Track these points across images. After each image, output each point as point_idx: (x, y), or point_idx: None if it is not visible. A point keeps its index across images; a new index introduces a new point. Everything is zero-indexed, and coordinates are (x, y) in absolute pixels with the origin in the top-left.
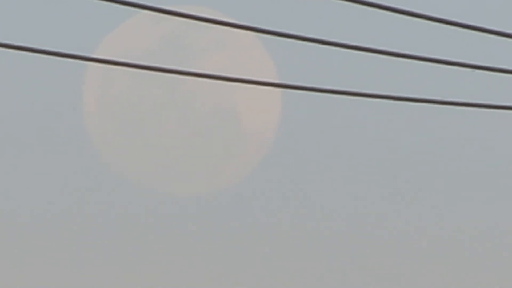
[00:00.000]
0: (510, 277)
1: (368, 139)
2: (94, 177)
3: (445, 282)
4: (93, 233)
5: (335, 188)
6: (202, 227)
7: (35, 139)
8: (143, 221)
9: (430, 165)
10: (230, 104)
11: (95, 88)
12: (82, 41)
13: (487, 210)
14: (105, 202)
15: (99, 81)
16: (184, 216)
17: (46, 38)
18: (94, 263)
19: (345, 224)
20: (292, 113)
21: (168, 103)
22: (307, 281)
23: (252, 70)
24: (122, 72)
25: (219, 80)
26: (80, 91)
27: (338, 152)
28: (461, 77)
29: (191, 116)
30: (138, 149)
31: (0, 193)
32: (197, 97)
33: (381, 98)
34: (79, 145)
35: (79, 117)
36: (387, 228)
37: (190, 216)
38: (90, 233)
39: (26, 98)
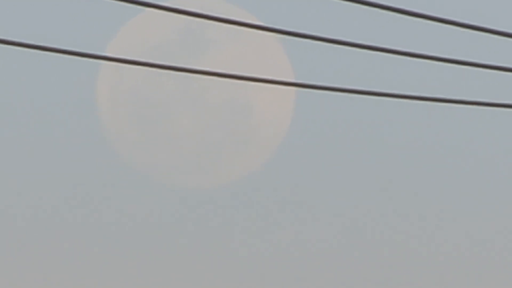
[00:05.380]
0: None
1: (381, 139)
2: (109, 173)
3: (445, 286)
4: (108, 228)
5: (344, 185)
6: (213, 220)
7: (49, 136)
8: (157, 215)
9: (450, 168)
10: (243, 99)
11: (109, 83)
12: (96, 34)
13: (489, 212)
14: (119, 196)
15: (112, 76)
16: (197, 209)
17: (60, 34)
18: (108, 259)
19: (354, 221)
20: (305, 110)
21: (181, 97)
22: (314, 278)
23: (266, 63)
24: (135, 67)
25: (231, 78)
26: (93, 86)
27: (348, 151)
28: (482, 77)
29: (204, 110)
30: (152, 144)
31: (15, 189)
32: (210, 91)
33: (395, 97)
34: (93, 141)
35: (93, 113)
36: (389, 230)
37: (202, 209)
38: (104, 228)
39: (40, 96)
